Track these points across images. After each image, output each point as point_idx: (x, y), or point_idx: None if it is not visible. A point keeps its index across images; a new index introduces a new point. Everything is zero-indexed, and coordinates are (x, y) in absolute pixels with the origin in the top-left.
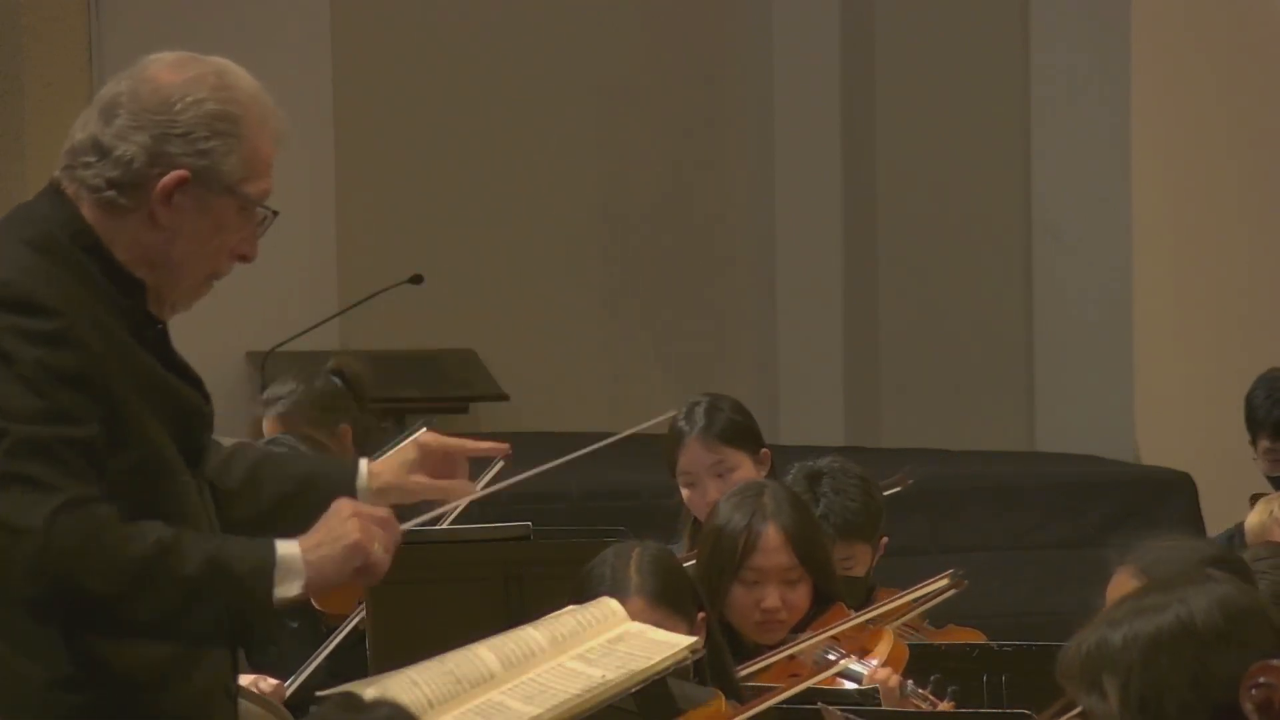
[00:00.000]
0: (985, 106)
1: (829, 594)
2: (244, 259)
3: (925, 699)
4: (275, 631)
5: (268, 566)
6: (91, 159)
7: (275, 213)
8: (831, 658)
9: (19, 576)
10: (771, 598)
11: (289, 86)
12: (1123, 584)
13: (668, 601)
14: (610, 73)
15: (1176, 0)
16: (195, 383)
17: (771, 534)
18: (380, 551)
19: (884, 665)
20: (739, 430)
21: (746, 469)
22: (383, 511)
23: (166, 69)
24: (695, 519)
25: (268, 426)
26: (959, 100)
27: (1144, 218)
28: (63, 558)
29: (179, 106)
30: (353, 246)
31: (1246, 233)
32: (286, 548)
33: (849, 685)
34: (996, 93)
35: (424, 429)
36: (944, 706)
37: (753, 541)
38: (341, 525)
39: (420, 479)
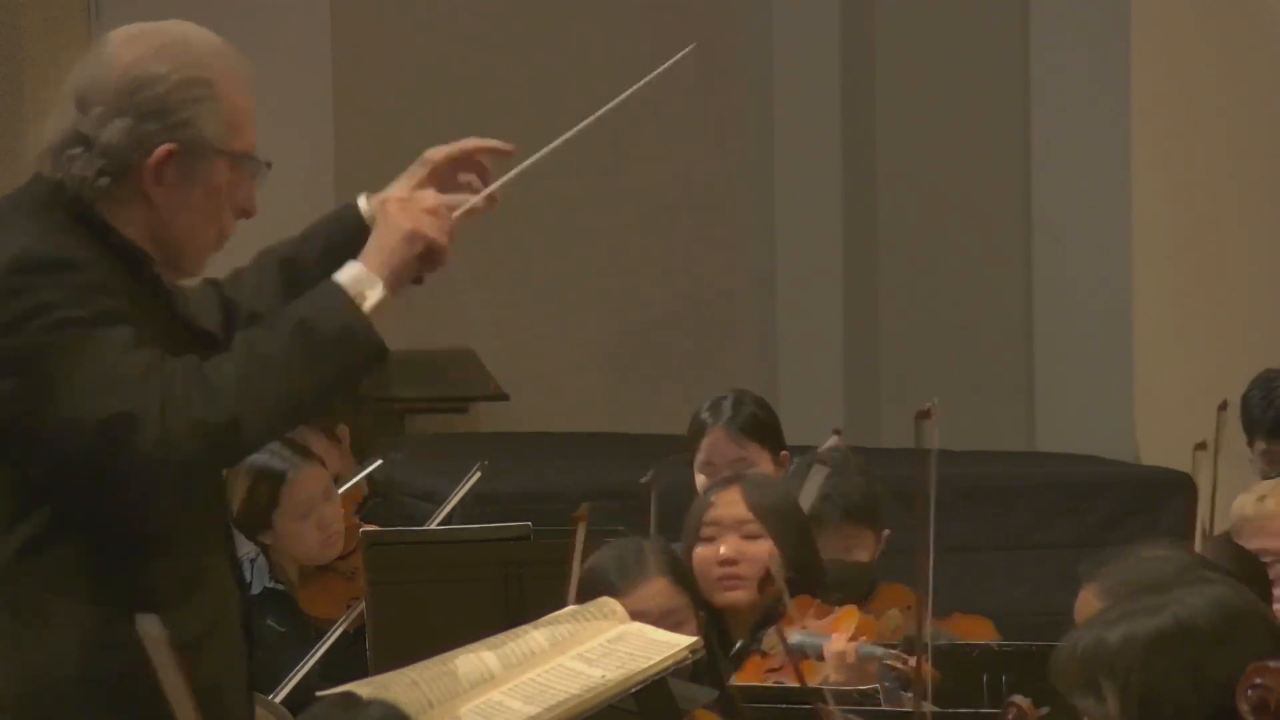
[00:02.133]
0: (985, 106)
1: (807, 576)
2: (245, 214)
3: (896, 658)
4: (263, 633)
5: (338, 290)
6: (76, 150)
7: (268, 164)
8: (794, 639)
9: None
10: (727, 546)
11: (289, 86)
12: (1088, 603)
13: (685, 586)
14: (610, 72)
15: (1177, 1)
16: (212, 345)
17: (729, 492)
18: (437, 233)
19: (850, 639)
20: (763, 426)
21: (765, 467)
22: (427, 199)
23: (126, 48)
24: None
25: None
26: (959, 100)
27: (1144, 218)
28: (181, 424)
29: (148, 83)
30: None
31: (1247, 233)
32: (345, 271)
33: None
34: (996, 93)
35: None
36: (923, 667)
37: (709, 498)
38: (392, 220)
39: (429, 192)
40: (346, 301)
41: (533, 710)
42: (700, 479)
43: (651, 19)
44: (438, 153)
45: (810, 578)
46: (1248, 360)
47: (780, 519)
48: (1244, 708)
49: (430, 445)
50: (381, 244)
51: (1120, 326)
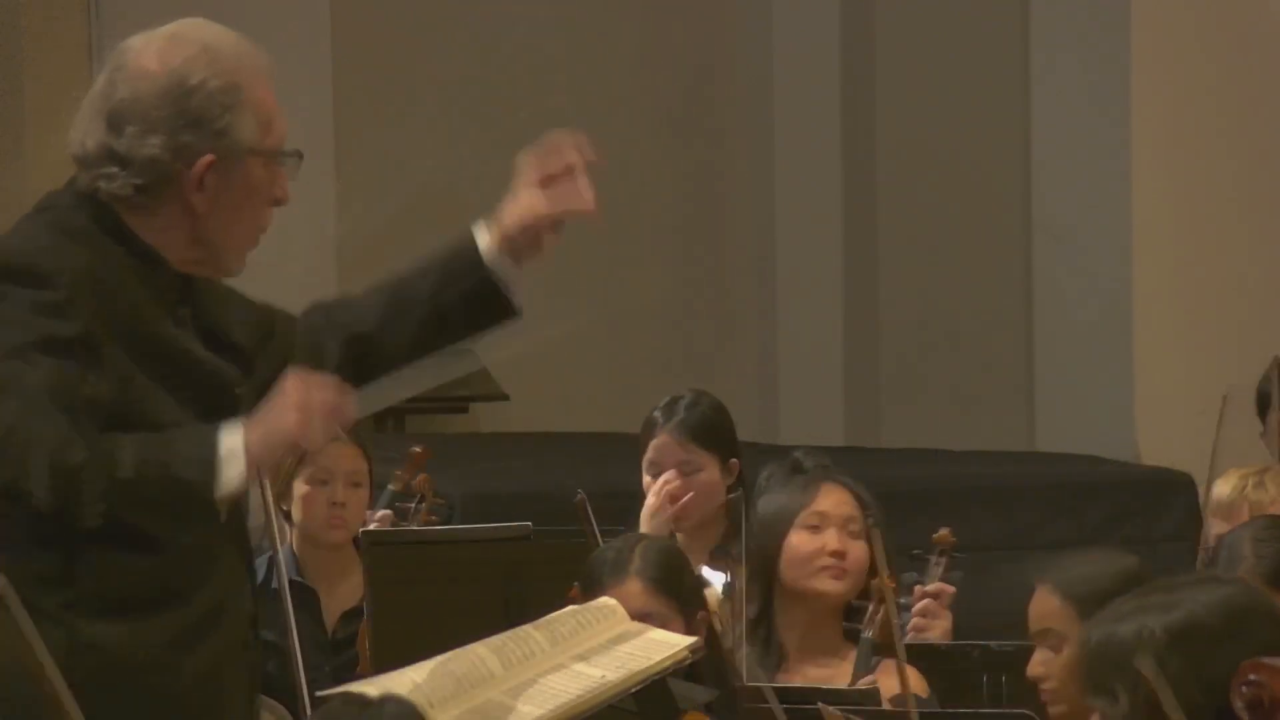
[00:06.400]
0: (985, 106)
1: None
2: (279, 203)
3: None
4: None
5: (209, 458)
6: (113, 169)
7: (299, 154)
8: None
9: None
10: (834, 540)
11: (289, 86)
12: (1043, 601)
13: (665, 590)
14: (610, 71)
15: (1177, 1)
16: (238, 359)
17: (834, 485)
18: (317, 437)
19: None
20: (713, 431)
21: (711, 473)
22: (328, 386)
23: (154, 59)
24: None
25: None
26: (959, 100)
27: (1144, 218)
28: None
29: (183, 97)
30: (353, 246)
31: (1247, 232)
32: (230, 440)
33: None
34: (996, 92)
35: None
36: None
37: (814, 489)
38: (283, 413)
39: (538, 204)
40: (208, 478)
41: (533, 710)
42: (648, 480)
43: (651, 18)
44: (539, 161)
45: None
46: (1247, 360)
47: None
48: (1238, 705)
49: (430, 445)
50: (266, 433)
51: (1120, 326)
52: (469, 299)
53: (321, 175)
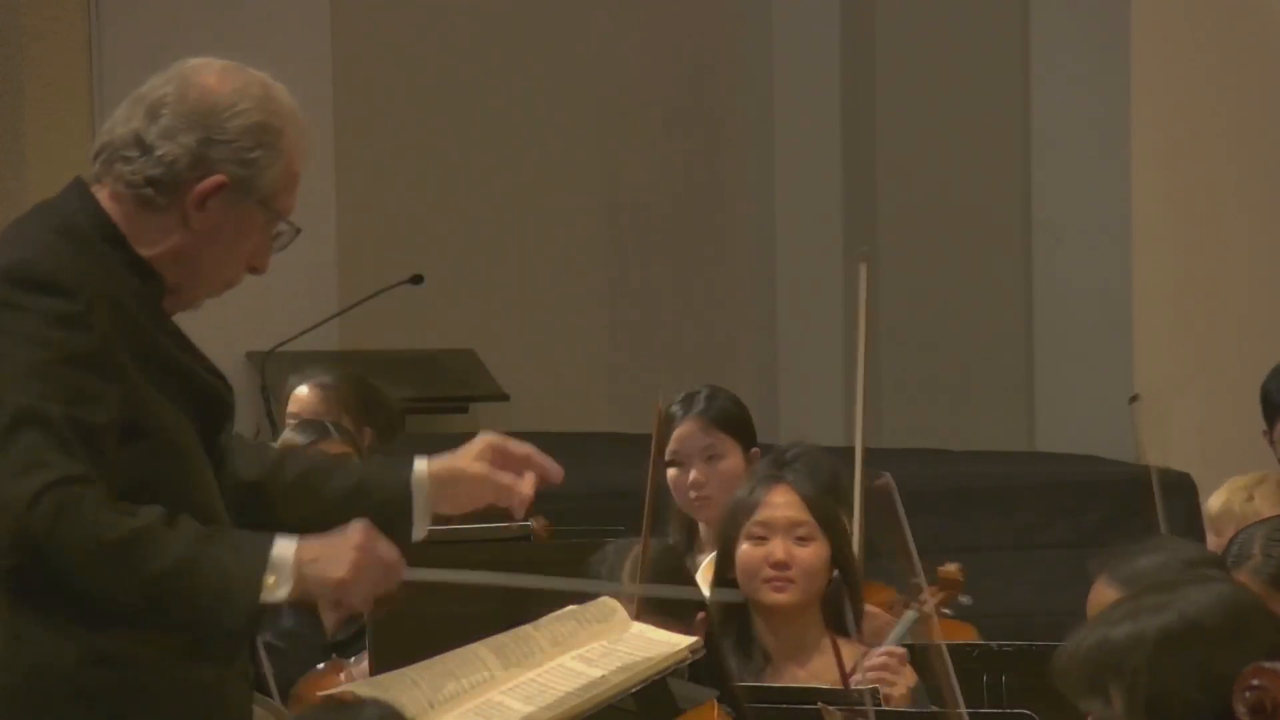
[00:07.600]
0: (985, 105)
1: (846, 570)
2: (254, 270)
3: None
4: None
5: (256, 572)
6: (133, 154)
7: (298, 230)
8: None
9: (2, 547)
10: (778, 551)
11: (289, 86)
12: (1101, 593)
13: (658, 608)
14: (610, 71)
15: (1176, 1)
16: (217, 374)
17: (781, 488)
18: (361, 596)
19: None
20: (734, 419)
21: (735, 460)
22: (390, 553)
23: (213, 76)
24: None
25: (308, 393)
26: (959, 100)
27: (1144, 217)
28: (39, 534)
29: (226, 114)
30: (353, 246)
31: (1246, 232)
32: (283, 550)
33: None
34: (996, 92)
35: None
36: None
37: (759, 496)
38: (342, 554)
39: (481, 467)
40: (255, 581)
41: (533, 710)
42: (671, 472)
43: (651, 18)
44: (498, 441)
45: (848, 566)
46: (1248, 360)
47: (833, 516)
48: (1240, 709)
49: (430, 445)
50: (321, 565)
51: (1120, 326)
52: (379, 504)
53: (322, 175)
